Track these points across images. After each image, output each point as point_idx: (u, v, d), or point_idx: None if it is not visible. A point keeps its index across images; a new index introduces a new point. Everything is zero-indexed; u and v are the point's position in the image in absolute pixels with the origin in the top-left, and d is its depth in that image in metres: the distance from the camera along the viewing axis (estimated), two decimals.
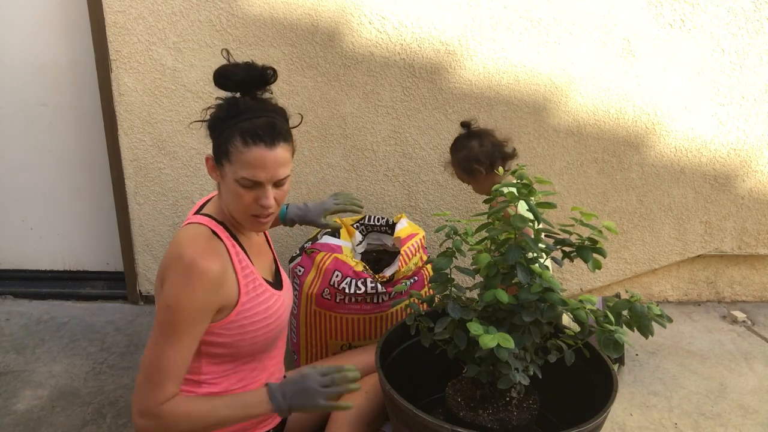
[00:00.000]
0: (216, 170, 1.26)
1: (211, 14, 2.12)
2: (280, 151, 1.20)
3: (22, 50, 2.32)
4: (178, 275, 1.17)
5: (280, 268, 1.48)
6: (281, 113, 1.27)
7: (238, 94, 1.24)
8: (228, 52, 1.27)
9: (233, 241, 1.28)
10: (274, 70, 1.26)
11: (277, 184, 1.24)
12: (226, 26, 2.13)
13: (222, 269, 1.21)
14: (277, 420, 1.46)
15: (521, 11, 2.14)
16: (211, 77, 1.28)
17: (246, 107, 1.22)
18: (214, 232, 1.25)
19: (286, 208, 1.78)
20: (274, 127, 1.20)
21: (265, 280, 1.34)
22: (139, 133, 2.25)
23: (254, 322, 1.28)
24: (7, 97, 2.38)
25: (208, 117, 1.26)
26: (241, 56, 2.15)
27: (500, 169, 1.54)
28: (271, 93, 1.29)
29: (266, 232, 1.51)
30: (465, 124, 1.96)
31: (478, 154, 1.87)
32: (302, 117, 1.50)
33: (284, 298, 1.39)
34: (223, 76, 1.23)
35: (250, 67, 1.23)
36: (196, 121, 1.33)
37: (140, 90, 2.20)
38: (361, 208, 1.81)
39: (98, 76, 2.22)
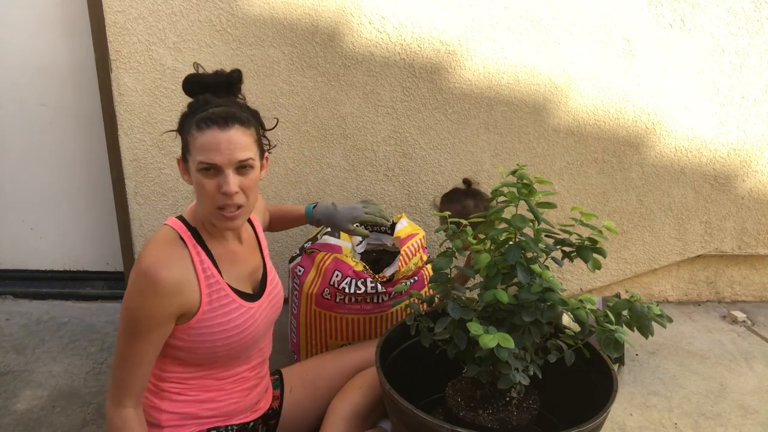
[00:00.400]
0: (186, 171, 1.26)
1: (211, 14, 2.12)
2: (235, 133, 1.19)
3: (22, 50, 2.32)
4: (134, 281, 1.18)
5: (269, 277, 1.43)
6: (247, 108, 1.29)
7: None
8: (198, 64, 1.31)
9: (199, 249, 1.26)
10: (239, 73, 1.29)
11: (240, 170, 1.21)
12: (226, 26, 2.13)
13: (179, 277, 1.19)
14: (260, 413, 1.46)
15: (521, 11, 2.14)
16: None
17: (205, 101, 1.24)
18: (181, 238, 1.25)
19: (313, 207, 1.76)
20: (228, 112, 1.20)
21: (237, 290, 1.31)
22: (139, 133, 2.25)
23: (213, 333, 1.26)
24: (7, 97, 2.38)
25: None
26: (240, 56, 2.16)
27: (500, 168, 1.55)
28: (243, 98, 1.33)
29: (260, 237, 1.48)
30: (467, 182, 2.07)
31: (471, 213, 1.92)
32: (278, 120, 1.52)
33: (259, 310, 1.35)
34: (190, 82, 1.28)
35: (216, 73, 1.28)
36: (169, 131, 1.35)
37: (140, 90, 2.20)
38: (388, 221, 1.81)
39: (98, 76, 2.22)
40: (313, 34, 2.15)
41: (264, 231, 1.63)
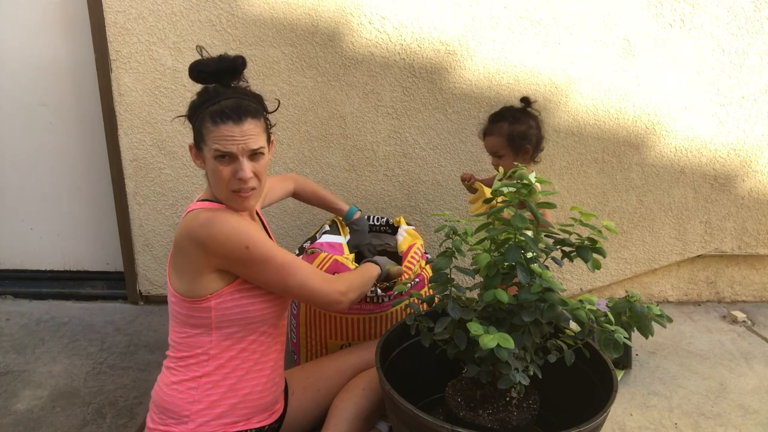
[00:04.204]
0: (198, 157, 1.34)
1: (211, 14, 2.12)
2: (248, 126, 1.27)
3: (22, 50, 2.32)
4: (219, 227, 1.25)
5: None
6: (253, 96, 1.34)
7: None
8: (201, 47, 1.34)
9: None
10: (243, 59, 1.34)
11: (252, 157, 1.30)
12: (226, 26, 2.13)
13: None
14: (276, 416, 1.46)
15: (521, 11, 2.14)
16: None
17: (216, 92, 1.30)
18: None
19: (356, 211, 1.96)
20: (240, 106, 1.27)
21: None
22: (139, 133, 2.25)
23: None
24: (7, 97, 2.38)
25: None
26: None
27: (500, 168, 1.54)
28: (246, 82, 1.36)
29: (264, 219, 1.56)
30: (527, 100, 1.90)
31: (534, 135, 1.84)
32: (279, 102, 1.56)
33: None
34: (196, 69, 1.31)
35: (221, 58, 1.32)
36: (179, 117, 1.38)
37: (140, 90, 2.20)
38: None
39: (98, 76, 2.22)
40: (313, 34, 2.15)
41: (283, 199, 1.91)
